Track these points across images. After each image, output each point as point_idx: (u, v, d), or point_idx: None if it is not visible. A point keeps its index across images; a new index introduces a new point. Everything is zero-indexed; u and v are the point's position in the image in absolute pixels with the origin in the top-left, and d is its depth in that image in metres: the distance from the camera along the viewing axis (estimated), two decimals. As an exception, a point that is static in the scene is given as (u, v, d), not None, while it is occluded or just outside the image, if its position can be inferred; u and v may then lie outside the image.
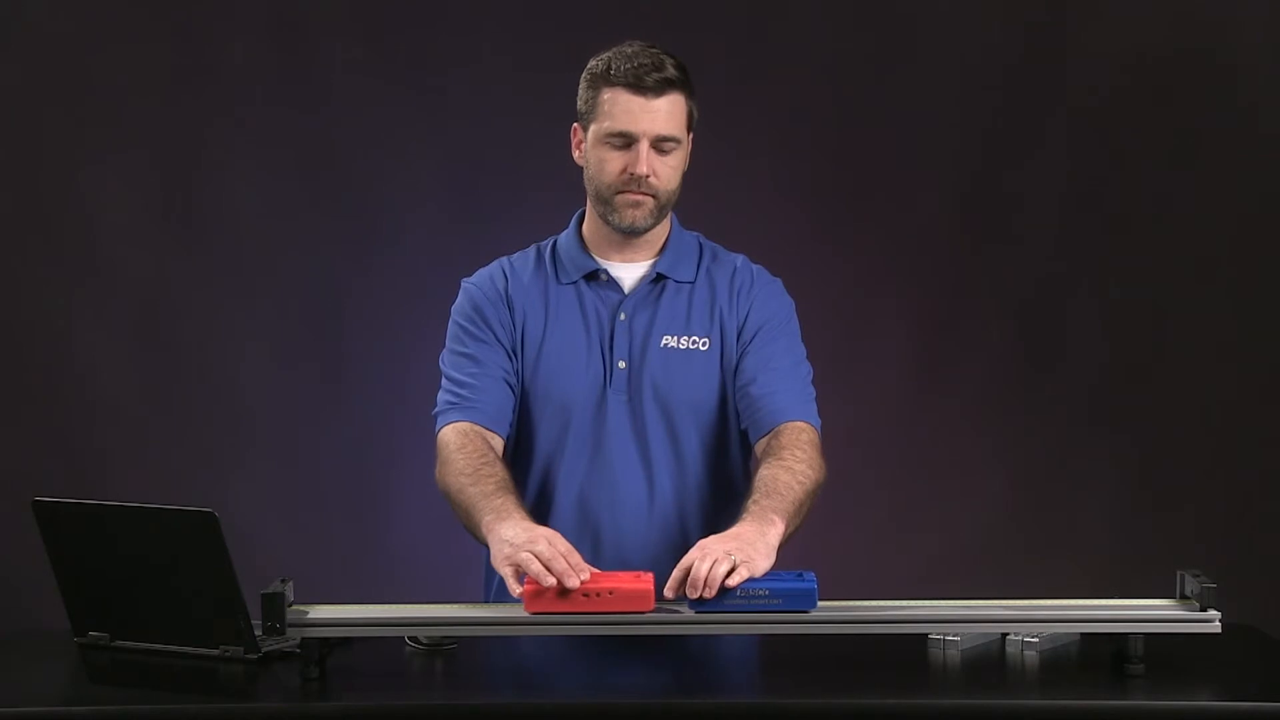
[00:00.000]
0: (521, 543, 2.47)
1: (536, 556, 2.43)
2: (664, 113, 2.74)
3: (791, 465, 2.68)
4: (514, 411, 2.83)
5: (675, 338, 2.82)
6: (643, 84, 2.73)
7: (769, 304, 2.86)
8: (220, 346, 4.37)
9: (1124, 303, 4.33)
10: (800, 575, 2.42)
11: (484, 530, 2.60)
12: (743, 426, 2.83)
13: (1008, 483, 4.36)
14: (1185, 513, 4.29)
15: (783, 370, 2.82)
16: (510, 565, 2.46)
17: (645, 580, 2.41)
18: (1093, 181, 4.32)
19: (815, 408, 2.83)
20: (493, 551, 2.55)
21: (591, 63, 2.81)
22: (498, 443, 2.79)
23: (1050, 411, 4.36)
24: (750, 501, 2.63)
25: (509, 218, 4.30)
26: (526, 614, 2.42)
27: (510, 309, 2.85)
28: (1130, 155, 4.30)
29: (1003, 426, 4.36)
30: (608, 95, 2.76)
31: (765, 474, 2.68)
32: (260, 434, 4.38)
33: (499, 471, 2.70)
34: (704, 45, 4.32)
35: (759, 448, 2.79)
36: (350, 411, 4.38)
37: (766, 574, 2.48)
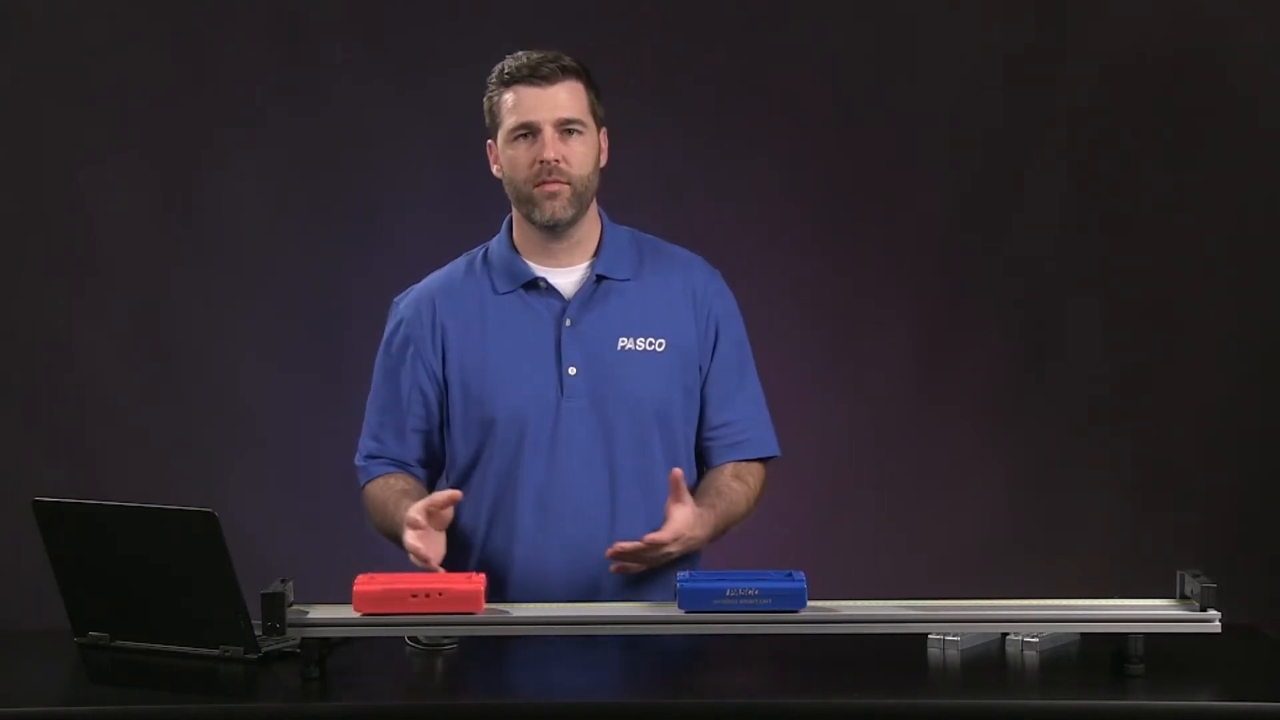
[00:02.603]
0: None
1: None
2: (564, 97, 2.78)
3: (749, 499, 2.85)
4: (443, 436, 2.87)
5: (631, 339, 2.82)
6: (538, 74, 2.77)
7: (727, 316, 2.89)
8: (220, 346, 4.37)
9: (1124, 303, 4.33)
10: (789, 575, 2.42)
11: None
12: (703, 443, 2.87)
13: (1008, 483, 4.36)
14: (1185, 513, 4.29)
15: (744, 396, 2.88)
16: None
17: (476, 581, 2.40)
18: (1093, 181, 4.31)
19: (770, 426, 2.91)
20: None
21: (489, 77, 2.85)
22: (417, 472, 2.88)
23: (1050, 412, 4.36)
24: (715, 504, 2.78)
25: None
26: (525, 615, 2.43)
27: (440, 338, 2.84)
28: (1130, 155, 4.29)
29: (1003, 427, 4.36)
30: (507, 96, 2.81)
31: (733, 488, 2.83)
32: (260, 434, 4.38)
33: (401, 483, 2.83)
34: (704, 45, 4.33)
35: (735, 463, 2.87)
36: (350, 411, 4.34)
37: (756, 574, 2.50)
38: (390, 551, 4.29)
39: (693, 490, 2.78)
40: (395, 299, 2.94)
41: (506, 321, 2.82)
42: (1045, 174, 4.31)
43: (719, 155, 4.27)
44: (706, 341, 2.86)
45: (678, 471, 2.65)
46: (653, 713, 2.28)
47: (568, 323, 2.81)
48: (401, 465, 2.88)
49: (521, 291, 2.83)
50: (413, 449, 2.87)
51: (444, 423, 2.86)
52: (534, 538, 2.77)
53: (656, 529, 2.72)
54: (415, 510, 2.61)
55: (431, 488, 2.89)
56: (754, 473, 2.87)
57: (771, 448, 2.90)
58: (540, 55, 2.79)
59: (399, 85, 4.34)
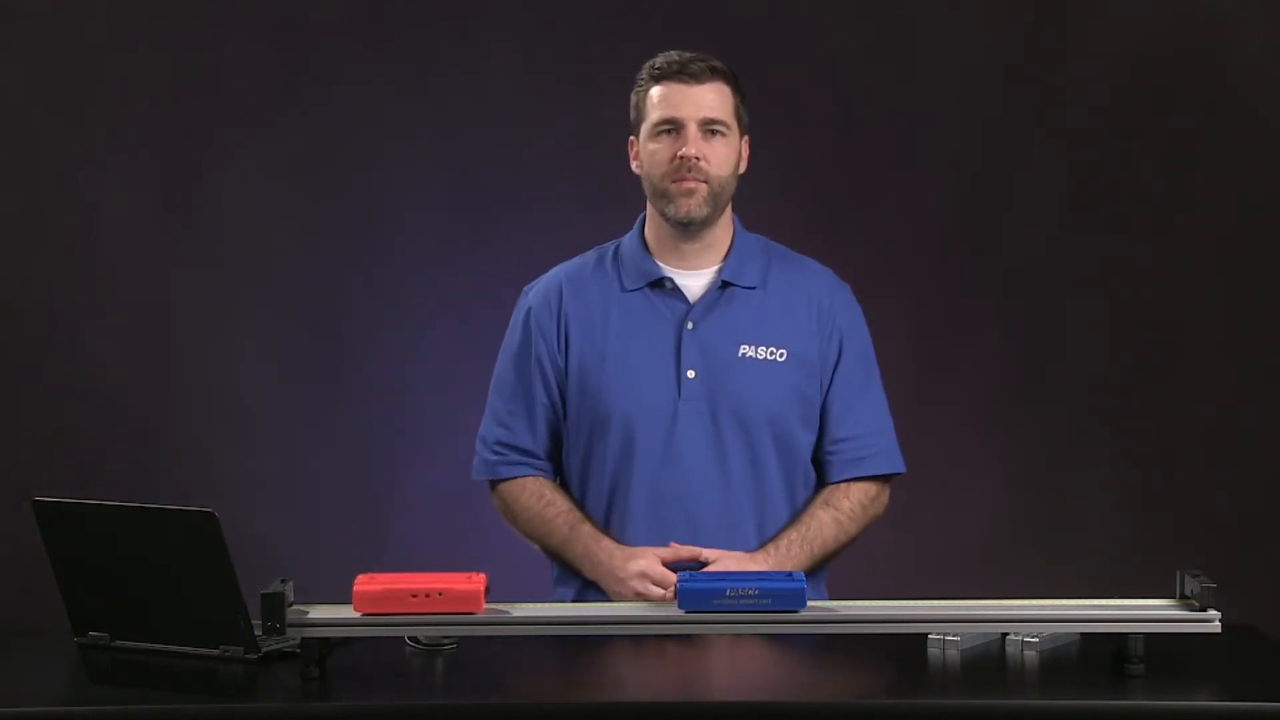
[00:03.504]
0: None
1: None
2: (710, 98, 2.79)
3: (844, 522, 2.85)
4: (564, 426, 2.88)
5: (753, 347, 2.82)
6: (687, 70, 2.79)
7: (851, 329, 2.90)
8: (220, 346, 4.37)
9: (1124, 303, 4.33)
10: (790, 575, 2.42)
11: (584, 567, 2.82)
12: (821, 457, 2.87)
13: (1008, 483, 4.36)
14: (1185, 513, 4.29)
15: (865, 411, 2.88)
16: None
17: (476, 581, 2.40)
18: (1093, 181, 4.31)
19: (894, 442, 2.91)
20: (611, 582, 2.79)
21: (640, 71, 2.86)
22: (548, 469, 2.91)
23: (1050, 412, 4.36)
24: (785, 535, 2.80)
25: (509, 218, 4.31)
26: (525, 615, 2.43)
27: (563, 329, 2.86)
28: (1130, 155, 4.29)
29: (1003, 427, 4.36)
30: (655, 91, 2.81)
31: (817, 515, 2.84)
32: (260, 434, 4.38)
33: (561, 501, 2.87)
34: (704, 45, 4.31)
35: (829, 486, 2.88)
36: (350, 411, 4.38)
37: (756, 574, 2.51)
38: (389, 551, 4.31)
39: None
40: (525, 287, 2.96)
41: (629, 319, 2.84)
42: (1045, 174, 4.31)
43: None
44: (829, 355, 2.86)
45: (674, 547, 2.74)
46: (653, 713, 2.27)
47: (689, 325, 2.82)
48: (534, 460, 2.89)
49: (647, 290, 2.85)
50: (541, 438, 2.88)
51: (564, 415, 2.88)
52: (644, 543, 2.79)
53: (766, 537, 2.80)
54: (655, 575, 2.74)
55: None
56: (852, 494, 2.86)
57: (891, 464, 2.90)
58: (691, 55, 2.81)
59: (399, 85, 4.34)
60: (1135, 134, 4.29)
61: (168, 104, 4.32)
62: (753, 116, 4.27)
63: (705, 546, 2.77)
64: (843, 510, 2.83)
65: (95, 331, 4.34)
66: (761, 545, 2.81)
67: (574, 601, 2.83)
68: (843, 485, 2.86)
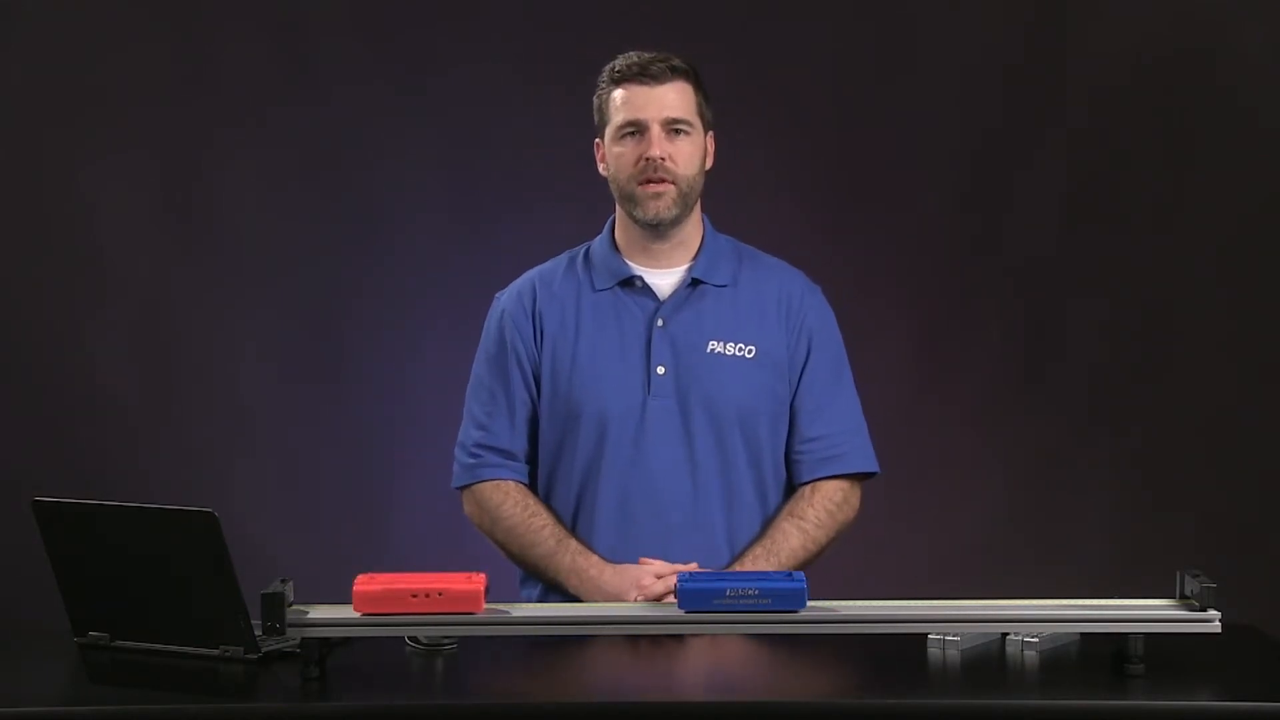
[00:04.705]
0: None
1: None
2: (672, 98, 2.80)
3: (810, 530, 2.83)
4: (537, 427, 2.88)
5: (722, 344, 2.83)
6: (648, 72, 2.79)
7: (821, 329, 2.90)
8: (220, 347, 4.37)
9: (1124, 303, 4.33)
10: (790, 575, 2.43)
11: (570, 580, 2.79)
12: (791, 456, 2.87)
13: (1008, 483, 4.36)
14: (1185, 513, 4.29)
15: (837, 411, 2.89)
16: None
17: (476, 581, 2.40)
18: (1093, 181, 4.32)
19: (867, 442, 2.91)
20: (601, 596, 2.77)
21: (601, 74, 2.86)
22: (524, 472, 2.90)
23: (1050, 412, 4.36)
24: (750, 551, 2.80)
25: (509, 218, 4.31)
26: (525, 614, 2.43)
27: (538, 328, 2.87)
28: (1130, 155, 4.29)
29: (1003, 427, 4.36)
30: (617, 94, 2.82)
31: (781, 527, 2.83)
32: (260, 434, 4.38)
33: (544, 513, 2.84)
34: (704, 45, 4.30)
35: (799, 489, 2.88)
36: (350, 411, 4.38)
37: (756, 574, 2.51)
38: (389, 551, 4.31)
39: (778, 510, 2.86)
40: (497, 294, 2.97)
41: (600, 318, 2.85)
42: (1045, 174, 4.31)
43: (718, 155, 4.26)
44: (797, 354, 2.87)
45: (647, 562, 2.73)
46: (651, 713, 2.27)
47: (659, 323, 2.83)
48: (511, 462, 2.88)
49: (618, 289, 2.86)
50: (521, 437, 2.88)
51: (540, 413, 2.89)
52: (613, 539, 2.80)
53: (733, 539, 2.81)
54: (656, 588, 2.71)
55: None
56: (818, 502, 2.86)
57: (864, 463, 2.90)
58: (651, 55, 2.82)
59: (399, 85, 4.34)
60: (1135, 134, 4.29)
61: (168, 104, 4.33)
62: (753, 116, 4.29)
63: (673, 541, 2.78)
64: (807, 519, 2.84)
65: (95, 331, 4.35)
66: (730, 548, 2.82)
67: (539, 601, 2.83)
68: (808, 493, 2.86)
